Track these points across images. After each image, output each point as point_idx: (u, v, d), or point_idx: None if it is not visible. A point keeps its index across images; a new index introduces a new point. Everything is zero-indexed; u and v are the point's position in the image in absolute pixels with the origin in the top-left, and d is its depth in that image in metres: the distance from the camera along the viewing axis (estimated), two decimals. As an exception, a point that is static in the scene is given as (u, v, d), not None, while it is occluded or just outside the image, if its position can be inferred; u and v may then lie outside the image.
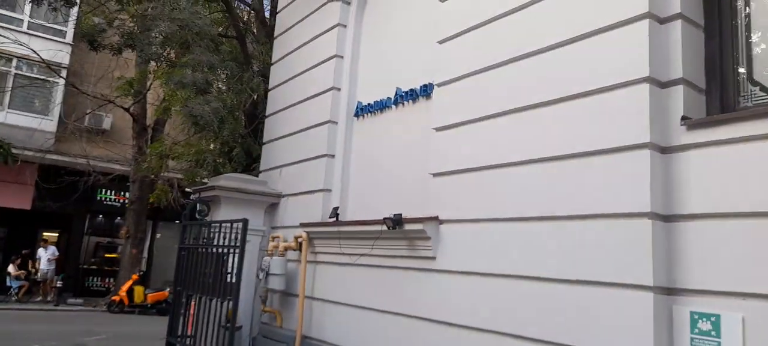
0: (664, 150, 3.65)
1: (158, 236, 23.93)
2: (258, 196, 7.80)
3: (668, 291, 3.52)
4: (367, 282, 5.79)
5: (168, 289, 17.66)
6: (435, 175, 5.24)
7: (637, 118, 3.65)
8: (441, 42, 5.46)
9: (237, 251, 6.14)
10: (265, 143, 8.71)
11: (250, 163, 10.87)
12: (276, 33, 9.01)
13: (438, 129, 5.31)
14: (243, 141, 11.22)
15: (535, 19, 4.49)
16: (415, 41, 6.22)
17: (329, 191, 6.95)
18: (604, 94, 3.86)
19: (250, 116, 11.37)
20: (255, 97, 11.01)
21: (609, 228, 3.71)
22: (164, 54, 9.36)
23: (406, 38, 6.37)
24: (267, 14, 12.56)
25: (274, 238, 7.49)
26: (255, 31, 12.36)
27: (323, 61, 7.37)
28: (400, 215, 5.21)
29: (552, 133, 4.19)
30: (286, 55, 8.39)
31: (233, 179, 7.80)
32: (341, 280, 6.22)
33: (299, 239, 7.02)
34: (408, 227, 5.18)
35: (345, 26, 7.28)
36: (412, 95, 6.05)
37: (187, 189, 18.87)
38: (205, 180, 12.08)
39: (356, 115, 6.95)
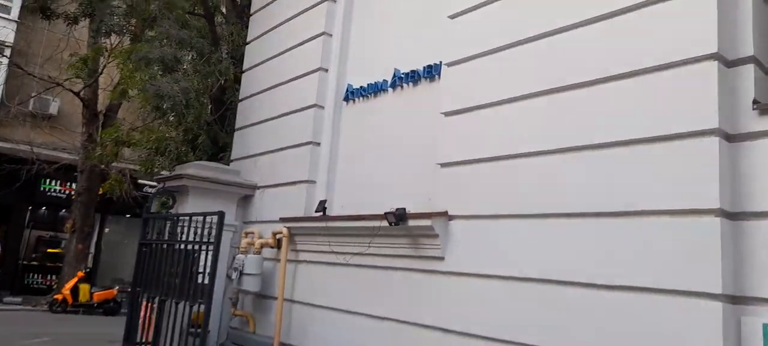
0: (731, 138, 3.18)
1: (107, 230, 22.44)
2: (231, 187, 7.04)
3: (736, 300, 3.05)
4: (361, 284, 5.15)
5: (117, 287, 16.46)
6: (443, 165, 4.66)
7: (703, 101, 3.17)
8: (452, 16, 4.89)
9: (211, 247, 5.38)
10: (237, 130, 7.94)
11: (217, 153, 10.02)
12: (253, 10, 8.24)
13: (447, 114, 4.73)
14: (209, 128, 10.35)
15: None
16: (415, 18, 5.63)
17: (313, 182, 6.27)
18: (661, 73, 3.36)
19: (217, 102, 10.51)
20: (223, 81, 10.18)
21: (666, 227, 3.21)
22: (127, 26, 8.42)
23: (405, 15, 5.77)
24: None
25: (247, 233, 6.75)
26: (224, 10, 11.49)
27: (309, 40, 6.69)
28: (404, 209, 4.61)
29: (593, 119, 3.67)
30: (265, 33, 7.65)
31: (204, 167, 7.01)
32: (329, 281, 5.55)
33: (278, 236, 6.32)
34: (412, 223, 4.58)
35: (334, 1, 6.62)
36: (413, 77, 5.45)
37: (139, 180, 17.70)
38: (165, 171, 11.16)
39: (346, 99, 6.31)
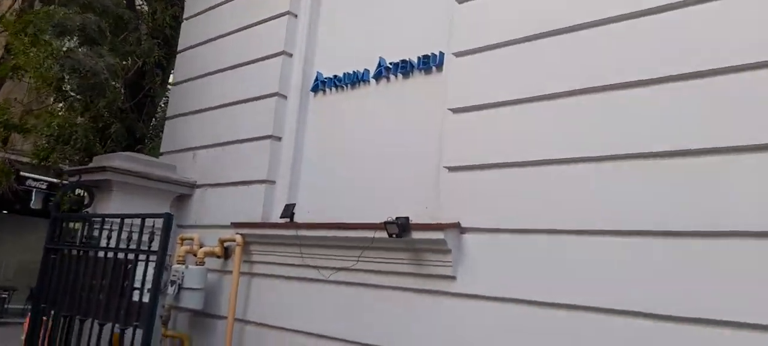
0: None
1: (-25, 227, 19.42)
2: (165, 184, 5.94)
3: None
4: (344, 305, 4.37)
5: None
6: (452, 169, 4.04)
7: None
8: (460, 0, 4.30)
9: (153, 257, 4.34)
10: (169, 118, 6.80)
11: (132, 145, 8.70)
12: (192, -19, 7.14)
13: (456, 110, 4.12)
14: (123, 116, 9.02)
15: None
16: (405, 2, 4.97)
17: (273, 183, 5.39)
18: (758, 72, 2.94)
19: (134, 87, 9.19)
20: (141, 63, 8.87)
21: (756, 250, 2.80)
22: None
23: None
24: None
25: (184, 240, 5.70)
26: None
27: (269, 19, 5.79)
28: (407, 218, 3.92)
29: (660, 122, 3.18)
30: (209, 9, 6.61)
31: (134, 159, 5.86)
32: (299, 300, 4.70)
33: (227, 244, 5.36)
34: (418, 235, 3.90)
35: (302, -22, 5.79)
36: (403, 68, 4.78)
37: (22, 173, 15.39)
38: (64, 165, 9.56)
39: (314, 89, 5.49)
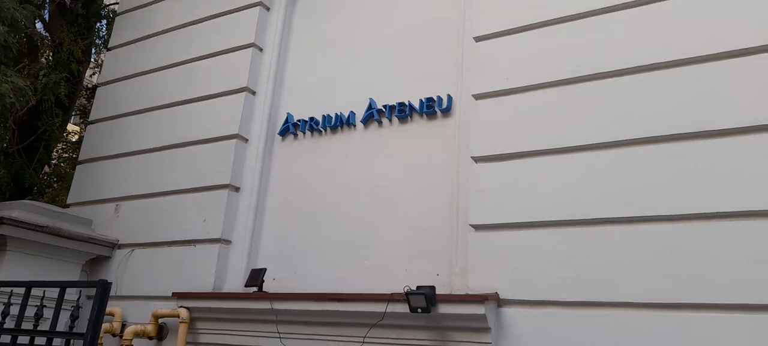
0: None
1: None
2: (76, 242, 4.66)
3: None
4: (341, 402, 3.42)
5: None
6: (479, 227, 3.38)
7: None
8: (479, 39, 3.79)
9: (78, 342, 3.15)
10: (82, 162, 5.54)
11: (20, 196, 7.11)
12: (121, 8, 6.10)
13: (481, 159, 3.51)
14: (11, 161, 7.43)
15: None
16: (403, 36, 4.39)
17: (228, 242, 4.38)
18: None
19: (26, 127, 7.66)
20: (36, 100, 7.44)
21: None
22: None
23: (384, 32, 4.50)
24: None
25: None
26: (48, 13, 8.73)
27: (229, 50, 4.94)
28: (433, 288, 3.15)
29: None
30: (144, 38, 5.60)
31: (39, 210, 4.55)
32: (274, 396, 3.66)
33: (163, 320, 4.22)
34: (446, 309, 3.14)
35: (268, 9, 5.04)
36: (401, 111, 4.13)
37: None
38: None
39: (283, 133, 4.65)
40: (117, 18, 6.10)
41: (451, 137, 3.85)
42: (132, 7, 5.91)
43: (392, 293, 3.24)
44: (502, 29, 3.69)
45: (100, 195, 5.17)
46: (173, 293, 4.18)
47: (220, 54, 4.94)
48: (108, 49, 6.00)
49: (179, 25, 5.33)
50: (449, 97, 3.96)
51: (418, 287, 3.16)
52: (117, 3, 12.99)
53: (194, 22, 5.23)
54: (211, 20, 5.14)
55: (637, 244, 2.93)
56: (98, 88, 5.88)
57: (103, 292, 3.14)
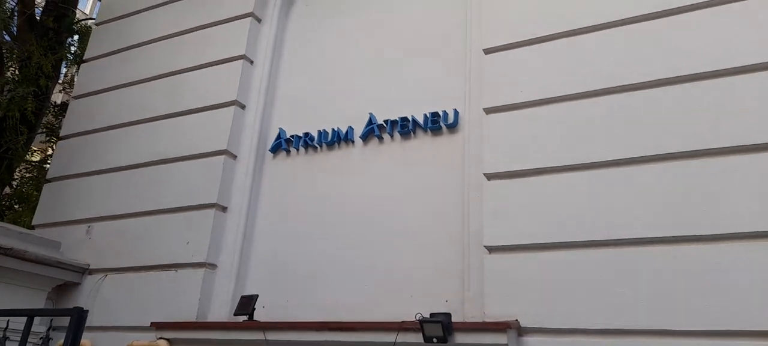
0: None
1: None
2: (41, 266, 4.24)
3: None
4: None
5: None
6: (494, 248, 3.14)
7: None
8: (489, 51, 3.61)
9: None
10: (50, 180, 5.12)
11: (-24, 219, 6.61)
12: (100, 18, 5.77)
13: (493, 176, 3.30)
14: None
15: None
16: (404, 49, 4.20)
17: (214, 267, 4.03)
18: None
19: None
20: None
21: None
22: None
23: (383, 45, 4.30)
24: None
25: (68, 348, 3.98)
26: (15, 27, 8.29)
27: (217, 62, 4.66)
28: (449, 315, 2.88)
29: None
30: (123, 49, 5.28)
31: (3, 231, 4.12)
32: None
33: (141, 353, 3.81)
34: (464, 338, 2.87)
35: (259, 20, 4.79)
36: (404, 127, 3.90)
37: None
38: None
39: (274, 149, 4.36)
40: (94, 29, 5.77)
41: (459, 153, 3.63)
42: (111, 17, 5.59)
43: (403, 322, 2.95)
44: (515, 41, 3.52)
45: (70, 216, 4.76)
46: (152, 323, 3.78)
47: (208, 66, 4.66)
48: (83, 62, 5.64)
49: (163, 36, 5.03)
50: (455, 112, 3.76)
51: (432, 315, 2.89)
52: (90, 19, 12.60)
53: (180, 33, 4.95)
54: (199, 31, 4.87)
55: (672, 267, 2.72)
56: (71, 103, 5.50)
57: (78, 321, 2.78)
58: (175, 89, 4.75)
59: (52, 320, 2.91)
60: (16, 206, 8.11)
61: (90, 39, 5.73)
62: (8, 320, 2.96)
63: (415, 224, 3.61)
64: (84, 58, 5.66)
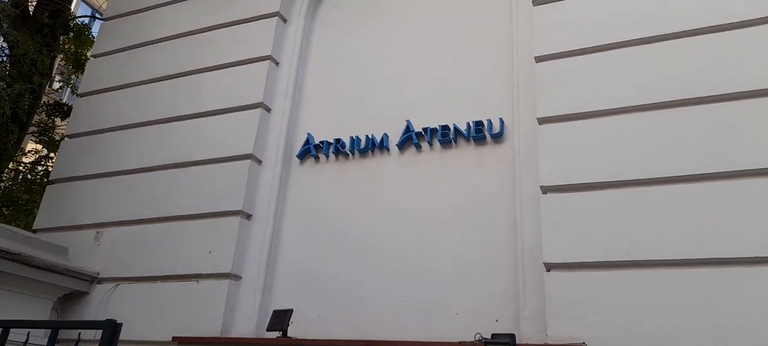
0: None
1: None
2: (47, 274, 3.93)
3: None
4: None
5: None
6: (554, 266, 2.96)
7: None
8: (541, 59, 3.46)
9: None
10: (54, 182, 4.82)
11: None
12: (108, 13, 5.50)
13: (547, 190, 3.12)
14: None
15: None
16: (444, 53, 4.04)
17: (238, 278, 3.78)
18: None
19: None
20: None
21: None
22: None
23: (420, 48, 4.13)
24: None
25: (76, 364, 3.69)
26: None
27: (239, 63, 4.44)
28: (513, 336, 2.69)
29: None
30: (138, 45, 5.03)
31: (6, 232, 3.82)
32: None
33: (158, 370, 3.53)
34: (531, 361, 2.68)
35: (285, 20, 4.59)
36: (445, 136, 3.72)
37: None
38: None
39: (302, 155, 4.14)
40: (103, 23, 5.48)
41: (507, 165, 3.46)
42: (123, 12, 5.32)
43: (461, 342, 2.75)
44: (570, 49, 3.38)
45: (77, 220, 4.47)
46: (174, 338, 3.52)
47: (231, 66, 4.43)
48: (93, 57, 5.35)
49: (183, 33, 4.80)
50: (501, 121, 3.59)
51: (494, 335, 2.69)
52: (87, 17, 12.22)
53: (201, 31, 4.72)
54: (222, 29, 4.64)
55: (752, 289, 2.58)
56: (77, 100, 5.21)
57: (111, 335, 2.52)
58: (195, 89, 4.50)
59: (80, 333, 2.63)
60: (4, 211, 7.70)
61: (99, 34, 5.44)
62: (28, 332, 2.68)
63: (459, 238, 3.41)
64: (92, 53, 5.37)
